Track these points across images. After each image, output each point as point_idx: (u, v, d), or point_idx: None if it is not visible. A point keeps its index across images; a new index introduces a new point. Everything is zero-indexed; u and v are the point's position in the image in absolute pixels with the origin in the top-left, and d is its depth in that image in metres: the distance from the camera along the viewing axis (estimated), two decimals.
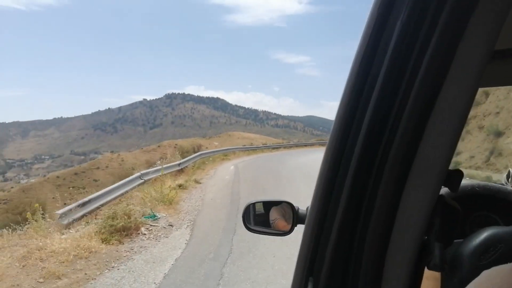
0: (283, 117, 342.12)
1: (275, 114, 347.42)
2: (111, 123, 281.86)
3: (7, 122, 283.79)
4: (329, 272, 0.58)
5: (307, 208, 1.16)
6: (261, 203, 1.51)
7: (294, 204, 1.35)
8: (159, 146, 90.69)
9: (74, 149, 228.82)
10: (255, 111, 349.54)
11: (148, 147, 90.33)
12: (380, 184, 0.50)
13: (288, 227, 1.35)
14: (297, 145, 35.55)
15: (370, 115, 0.48)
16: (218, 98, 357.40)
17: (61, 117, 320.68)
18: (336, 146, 0.55)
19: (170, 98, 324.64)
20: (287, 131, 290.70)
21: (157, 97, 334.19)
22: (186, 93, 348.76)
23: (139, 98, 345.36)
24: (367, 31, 0.47)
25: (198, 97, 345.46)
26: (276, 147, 31.57)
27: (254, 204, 1.50)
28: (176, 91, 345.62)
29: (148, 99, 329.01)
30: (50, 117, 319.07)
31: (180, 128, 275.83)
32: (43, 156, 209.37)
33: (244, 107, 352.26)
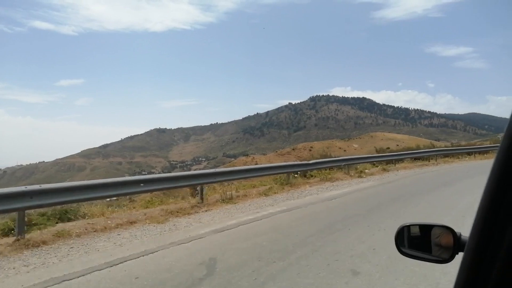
0: (439, 116, 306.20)
1: (429, 112, 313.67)
2: (259, 127, 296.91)
3: (173, 128, 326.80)
4: None
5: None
6: (417, 226, 1.46)
7: (456, 230, 1.31)
8: (293, 149, 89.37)
9: (226, 152, 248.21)
10: (406, 110, 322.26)
11: (282, 150, 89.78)
12: None
13: (448, 254, 1.31)
14: (471, 151, 24.54)
15: None
16: (364, 98, 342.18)
17: (217, 122, 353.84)
18: (506, 158, 0.44)
19: (314, 100, 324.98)
20: (444, 131, 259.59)
21: (301, 100, 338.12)
22: (331, 95, 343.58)
23: (285, 102, 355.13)
24: None
25: (343, 98, 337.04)
26: (429, 154, 21.26)
27: (409, 226, 1.47)
28: (321, 94, 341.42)
29: (293, 103, 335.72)
30: (208, 123, 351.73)
31: (323, 130, 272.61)
32: (200, 158, 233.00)
33: (393, 106, 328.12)
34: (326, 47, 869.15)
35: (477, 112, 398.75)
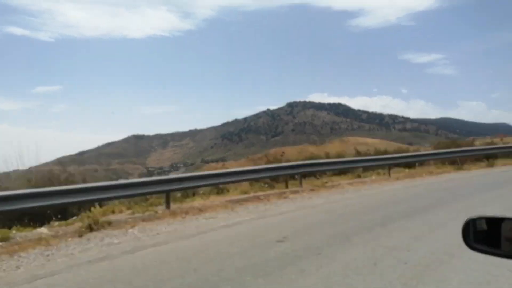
0: (412, 120, 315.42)
1: (402, 117, 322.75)
2: (237, 133, 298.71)
3: (151, 134, 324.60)
4: None
5: None
6: (485, 219, 1.38)
7: None
8: (265, 155, 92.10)
9: (205, 157, 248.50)
10: (380, 115, 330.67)
11: (254, 156, 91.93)
12: None
13: None
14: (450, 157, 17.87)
15: None
16: (339, 104, 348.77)
17: (195, 128, 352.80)
18: None
19: (292, 106, 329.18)
20: (417, 135, 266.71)
21: (279, 106, 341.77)
22: (308, 100, 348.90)
23: (264, 108, 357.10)
24: None
25: (319, 103, 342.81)
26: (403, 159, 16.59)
27: (475, 220, 1.39)
28: (299, 99, 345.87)
29: (271, 109, 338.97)
30: (186, 129, 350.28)
31: (301, 135, 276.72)
32: (178, 164, 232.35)
33: (368, 112, 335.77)
34: (304, 54, 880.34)
35: (449, 116, 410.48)
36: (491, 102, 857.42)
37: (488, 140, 55.07)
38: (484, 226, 1.36)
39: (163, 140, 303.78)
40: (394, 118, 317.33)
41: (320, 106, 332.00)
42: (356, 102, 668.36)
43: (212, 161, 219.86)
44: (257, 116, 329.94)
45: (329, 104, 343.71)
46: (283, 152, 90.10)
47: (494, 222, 1.32)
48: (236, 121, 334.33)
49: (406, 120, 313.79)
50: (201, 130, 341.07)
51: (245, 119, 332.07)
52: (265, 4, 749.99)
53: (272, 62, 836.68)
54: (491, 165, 16.14)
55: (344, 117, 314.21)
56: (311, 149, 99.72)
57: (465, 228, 1.40)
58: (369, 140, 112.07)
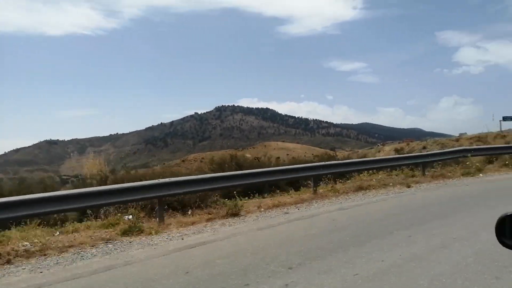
0: (335, 125, 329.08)
1: (326, 122, 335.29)
2: (162, 137, 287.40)
3: (66, 140, 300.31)
4: None
5: None
6: None
7: None
8: (183, 161, 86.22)
9: (126, 164, 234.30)
10: (306, 120, 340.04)
11: (171, 162, 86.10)
12: None
13: None
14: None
15: None
16: (267, 109, 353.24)
17: (117, 133, 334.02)
18: None
19: (220, 110, 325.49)
20: (339, 140, 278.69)
21: (207, 110, 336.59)
22: (237, 105, 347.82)
23: (192, 112, 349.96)
24: None
25: (248, 108, 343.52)
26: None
27: (511, 216, 1.37)
28: (228, 104, 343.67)
29: (199, 113, 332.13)
30: (107, 134, 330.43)
31: (229, 139, 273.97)
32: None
33: (294, 117, 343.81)
34: (235, 58, 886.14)
35: (369, 122, 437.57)
36: (407, 108, 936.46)
37: (396, 145, 56.11)
38: None
39: (80, 145, 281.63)
40: (318, 123, 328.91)
41: (248, 111, 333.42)
42: (285, 108, 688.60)
43: (135, 168, 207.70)
44: (184, 120, 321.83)
45: (257, 109, 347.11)
46: (203, 158, 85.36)
47: None
48: (161, 125, 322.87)
49: (330, 125, 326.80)
50: (123, 135, 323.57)
51: (172, 123, 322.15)
52: (196, 6, 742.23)
53: (202, 65, 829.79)
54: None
55: (272, 122, 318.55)
56: (232, 154, 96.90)
57: (499, 225, 1.35)
58: (290, 145, 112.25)
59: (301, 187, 10.99)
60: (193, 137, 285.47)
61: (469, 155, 12.59)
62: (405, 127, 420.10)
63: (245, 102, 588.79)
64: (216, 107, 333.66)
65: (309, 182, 10.72)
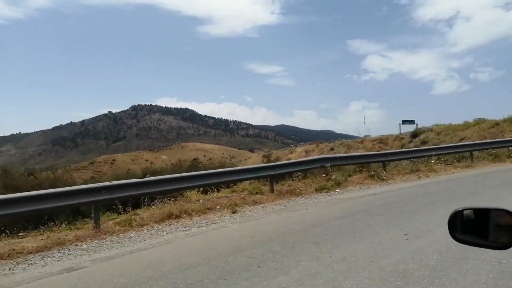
0: (254, 127, 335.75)
1: (246, 123, 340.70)
2: (71, 138, 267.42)
3: None
4: None
5: None
6: (472, 210, 1.42)
7: None
8: (91, 163, 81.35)
9: (29, 166, 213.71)
10: (226, 121, 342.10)
11: (78, 165, 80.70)
12: None
13: (508, 239, 1.28)
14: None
15: None
16: (187, 109, 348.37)
17: (20, 133, 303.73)
18: None
19: (136, 109, 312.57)
20: (258, 141, 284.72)
21: (122, 109, 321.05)
22: (154, 104, 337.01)
23: (105, 111, 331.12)
24: None
25: (166, 108, 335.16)
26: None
27: (462, 211, 1.42)
28: (145, 103, 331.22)
29: (113, 112, 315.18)
30: (8, 133, 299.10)
31: (145, 140, 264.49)
32: None
33: (214, 118, 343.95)
34: (152, 56, 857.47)
35: (286, 124, 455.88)
36: (320, 111, 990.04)
37: (307, 146, 59.09)
38: (472, 216, 1.39)
39: None
40: (238, 125, 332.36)
41: (167, 111, 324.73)
42: (205, 108, 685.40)
43: (42, 170, 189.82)
44: (97, 119, 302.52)
45: (176, 109, 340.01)
46: (113, 160, 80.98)
47: (482, 213, 1.37)
48: (71, 125, 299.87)
49: (249, 126, 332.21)
50: (26, 135, 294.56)
51: (83, 122, 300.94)
52: (109, 0, 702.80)
53: (117, 62, 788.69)
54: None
55: (191, 123, 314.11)
56: (146, 155, 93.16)
57: (451, 220, 1.42)
58: (208, 146, 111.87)
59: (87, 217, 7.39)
60: (107, 138, 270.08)
61: (328, 165, 10.81)
62: (319, 129, 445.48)
63: (164, 102, 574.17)
64: (132, 106, 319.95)
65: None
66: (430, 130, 32.00)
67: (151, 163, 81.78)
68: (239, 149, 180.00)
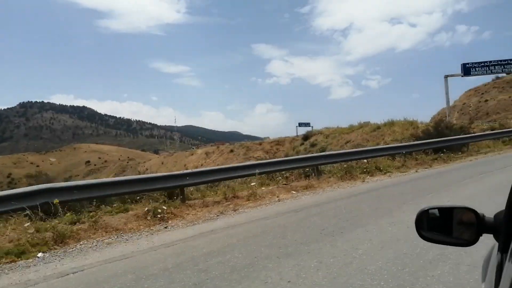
0: (160, 127, 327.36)
1: (150, 123, 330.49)
2: None
3: None
4: None
5: (495, 216, 1.29)
6: (437, 209, 1.46)
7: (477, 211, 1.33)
8: None
9: None
10: (128, 120, 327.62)
11: None
12: None
13: (471, 236, 1.32)
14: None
15: None
16: (84, 107, 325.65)
17: None
18: None
19: (25, 107, 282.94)
20: (162, 142, 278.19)
21: (8, 107, 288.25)
22: (46, 101, 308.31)
23: None
24: None
25: (60, 105, 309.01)
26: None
27: (428, 210, 1.46)
28: (35, 100, 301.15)
29: None
30: None
31: (36, 141, 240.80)
32: None
33: (116, 117, 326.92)
34: (45, 49, 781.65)
35: (193, 124, 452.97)
36: (227, 113, 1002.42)
37: (209, 148, 60.62)
38: (436, 213, 1.44)
39: None
40: (142, 124, 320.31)
41: (61, 109, 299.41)
42: (106, 107, 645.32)
43: None
44: None
45: (72, 107, 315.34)
46: None
47: (446, 212, 1.43)
48: None
49: (153, 126, 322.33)
50: None
51: None
52: None
53: (2, 53, 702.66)
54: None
55: (90, 122, 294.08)
56: (32, 158, 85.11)
57: (418, 219, 1.45)
58: (105, 147, 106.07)
59: None
60: None
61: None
62: (226, 130, 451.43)
63: (58, 99, 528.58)
64: (20, 103, 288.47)
65: None
66: (320, 132, 34.09)
67: (37, 166, 74.72)
68: (142, 150, 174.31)
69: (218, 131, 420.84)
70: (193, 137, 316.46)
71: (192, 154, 67.62)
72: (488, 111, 56.18)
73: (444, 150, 14.49)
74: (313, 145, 31.26)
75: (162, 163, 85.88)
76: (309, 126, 49.25)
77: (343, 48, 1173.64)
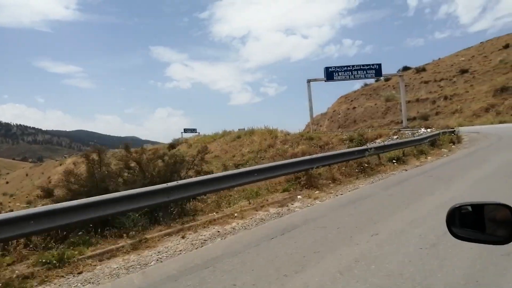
0: (45, 132, 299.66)
1: (33, 128, 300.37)
2: None
3: None
4: None
5: None
6: (469, 206, 1.42)
7: None
8: None
9: None
10: (7, 125, 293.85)
11: None
12: None
13: (506, 233, 1.28)
14: None
15: None
16: None
17: None
18: None
19: None
20: (49, 148, 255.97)
21: None
22: None
23: None
24: None
25: None
26: None
27: (460, 207, 1.42)
28: None
29: None
30: None
31: None
32: None
33: None
34: None
35: (85, 129, 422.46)
36: (125, 117, 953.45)
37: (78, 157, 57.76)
38: (469, 209, 1.40)
39: None
40: (23, 129, 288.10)
41: None
42: None
43: None
44: None
45: None
46: None
47: (478, 208, 1.37)
48: None
49: (37, 131, 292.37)
50: None
51: None
52: None
53: None
54: None
55: None
56: None
57: (449, 217, 1.41)
58: None
59: None
60: None
61: None
62: (123, 135, 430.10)
63: None
64: None
65: None
66: (185, 141, 33.45)
67: None
68: (23, 159, 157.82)
69: (114, 136, 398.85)
70: (84, 142, 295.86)
71: (61, 164, 62.73)
72: (356, 118, 60.80)
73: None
74: (172, 156, 30.80)
75: (27, 175, 76.95)
76: (196, 132, 50.21)
77: (242, 55, 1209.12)
